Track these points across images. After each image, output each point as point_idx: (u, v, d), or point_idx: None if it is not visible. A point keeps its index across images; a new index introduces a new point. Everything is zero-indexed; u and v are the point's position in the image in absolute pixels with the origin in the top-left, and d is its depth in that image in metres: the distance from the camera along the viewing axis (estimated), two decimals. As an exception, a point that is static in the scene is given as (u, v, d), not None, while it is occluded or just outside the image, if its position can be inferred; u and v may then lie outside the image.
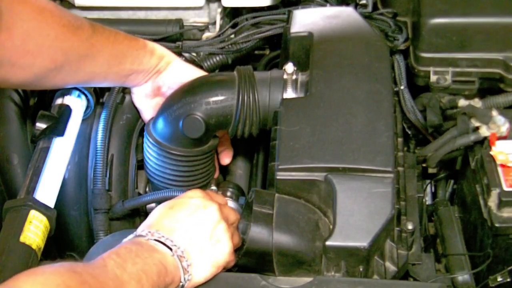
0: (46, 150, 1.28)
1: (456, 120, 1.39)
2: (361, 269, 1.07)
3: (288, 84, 1.31)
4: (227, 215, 1.14)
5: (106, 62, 1.28)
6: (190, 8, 1.65)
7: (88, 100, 1.39)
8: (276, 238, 1.09)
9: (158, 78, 1.37)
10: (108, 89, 1.43)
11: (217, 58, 1.58)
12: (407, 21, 1.61)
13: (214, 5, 1.66)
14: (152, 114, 1.39)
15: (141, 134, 1.44)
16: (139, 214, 1.44)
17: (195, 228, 1.08)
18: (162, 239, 1.05)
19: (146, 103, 1.40)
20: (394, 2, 1.64)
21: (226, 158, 1.48)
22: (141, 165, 1.43)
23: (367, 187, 1.12)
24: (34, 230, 1.10)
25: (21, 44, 1.12)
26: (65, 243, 1.38)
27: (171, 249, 1.04)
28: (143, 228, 1.08)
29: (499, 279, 1.28)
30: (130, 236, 1.07)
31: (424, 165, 1.49)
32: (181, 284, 1.04)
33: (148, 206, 1.42)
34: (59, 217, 1.20)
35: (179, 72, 1.37)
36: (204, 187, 1.38)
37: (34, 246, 1.07)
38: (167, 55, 1.37)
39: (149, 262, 1.00)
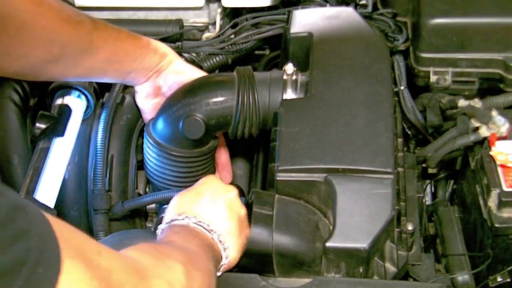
0: (46, 150, 1.28)
1: (456, 120, 1.39)
2: (361, 270, 1.07)
3: (288, 84, 1.31)
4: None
5: (106, 58, 1.28)
6: (190, 8, 1.64)
7: (88, 100, 1.39)
8: (276, 239, 1.09)
9: (158, 77, 1.37)
10: (108, 89, 1.43)
11: (217, 59, 1.58)
12: (407, 21, 1.61)
13: (214, 5, 1.65)
14: (153, 114, 1.39)
15: (141, 135, 1.44)
16: (139, 214, 1.44)
17: (225, 215, 1.08)
18: (200, 224, 1.05)
19: (148, 103, 1.40)
20: (394, 2, 1.64)
21: (222, 156, 1.48)
22: (141, 165, 1.43)
23: (367, 188, 1.12)
24: (34, 231, 1.10)
25: (15, 34, 1.12)
26: (65, 243, 1.38)
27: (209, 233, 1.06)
28: (174, 213, 1.07)
29: (499, 279, 1.28)
30: (165, 222, 1.06)
31: (424, 165, 1.49)
32: (222, 264, 1.05)
33: (148, 206, 1.42)
34: (59, 217, 1.19)
35: (179, 72, 1.38)
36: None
37: (34, 247, 1.07)
38: (169, 54, 1.37)
39: (202, 239, 1.02)
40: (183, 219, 1.05)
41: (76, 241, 0.68)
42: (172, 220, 1.06)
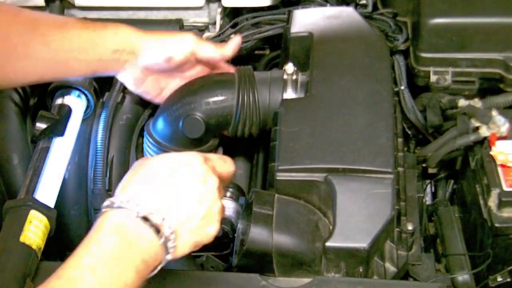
0: (46, 150, 1.28)
1: (456, 120, 1.39)
2: (361, 270, 1.07)
3: (288, 84, 1.31)
4: (220, 173, 1.02)
5: (59, 46, 1.19)
6: (190, 8, 1.64)
7: (88, 100, 1.39)
8: (276, 239, 1.09)
9: (137, 59, 1.28)
10: (108, 88, 1.43)
11: (217, 58, 1.57)
12: (407, 21, 1.61)
13: (214, 5, 1.65)
14: (156, 90, 1.34)
15: (141, 134, 1.44)
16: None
17: (191, 202, 0.95)
18: (151, 217, 0.90)
19: (143, 86, 1.34)
20: (394, 2, 1.64)
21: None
22: (141, 165, 1.43)
23: (367, 188, 1.12)
24: (34, 230, 1.10)
25: None
26: (65, 243, 1.38)
27: (159, 231, 0.90)
28: (125, 197, 0.91)
29: (499, 279, 1.28)
30: (117, 211, 0.90)
31: (424, 165, 1.49)
32: (159, 266, 0.93)
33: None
34: (59, 217, 1.20)
35: (155, 47, 1.28)
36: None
37: (34, 246, 1.07)
38: (134, 34, 1.26)
39: (130, 262, 0.87)
40: (131, 208, 0.89)
41: None
42: (110, 205, 0.90)
